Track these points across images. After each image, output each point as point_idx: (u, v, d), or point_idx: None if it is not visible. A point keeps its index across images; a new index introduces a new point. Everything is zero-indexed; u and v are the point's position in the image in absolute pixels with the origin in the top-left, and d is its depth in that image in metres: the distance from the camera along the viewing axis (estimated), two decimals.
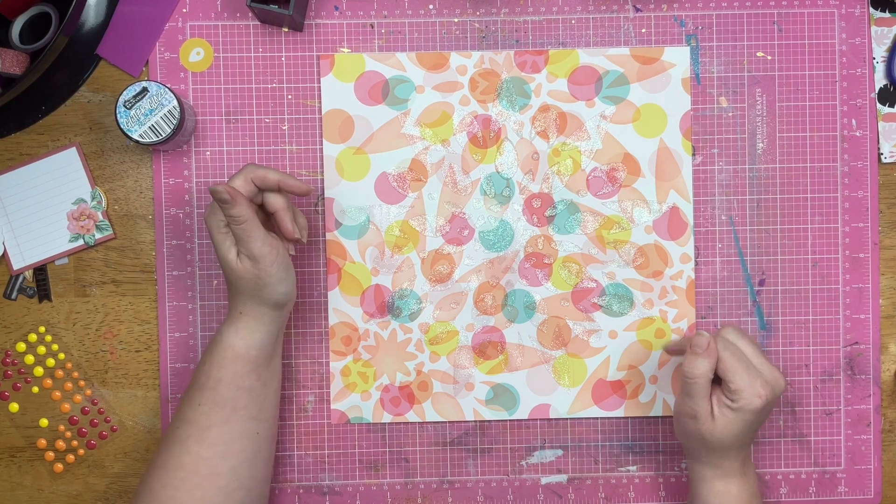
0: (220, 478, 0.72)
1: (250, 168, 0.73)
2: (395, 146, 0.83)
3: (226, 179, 0.83)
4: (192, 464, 0.72)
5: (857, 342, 0.84)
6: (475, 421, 0.84)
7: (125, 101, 0.77)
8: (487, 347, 0.83)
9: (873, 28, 0.83)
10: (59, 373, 0.83)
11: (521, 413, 0.83)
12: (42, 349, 0.83)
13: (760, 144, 0.83)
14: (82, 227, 0.83)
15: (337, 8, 0.83)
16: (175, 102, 0.78)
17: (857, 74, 0.83)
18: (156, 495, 0.72)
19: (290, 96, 0.83)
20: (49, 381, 0.83)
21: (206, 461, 0.72)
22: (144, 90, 0.77)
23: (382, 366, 0.83)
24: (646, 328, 0.83)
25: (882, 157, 0.83)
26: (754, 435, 0.74)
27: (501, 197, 0.83)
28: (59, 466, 0.84)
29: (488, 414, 0.83)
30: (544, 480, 0.84)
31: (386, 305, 0.83)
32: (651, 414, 0.83)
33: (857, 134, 0.83)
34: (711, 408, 0.73)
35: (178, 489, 0.71)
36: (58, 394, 0.84)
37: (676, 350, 0.82)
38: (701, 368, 0.72)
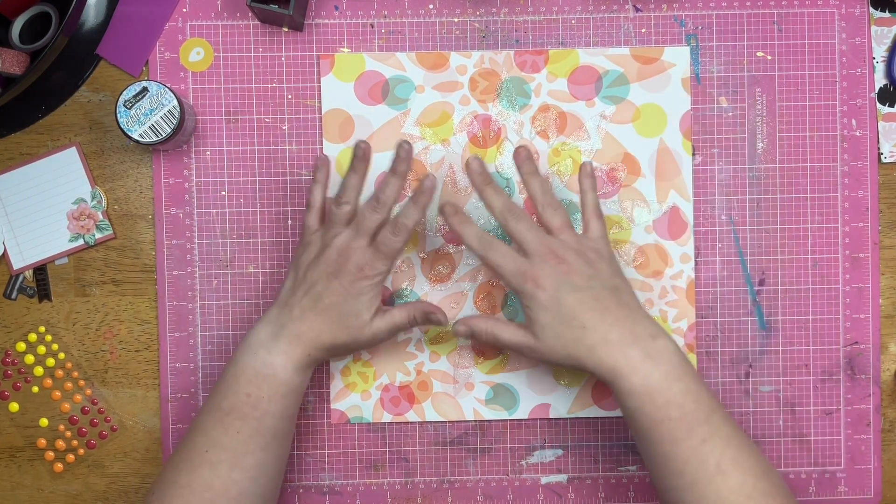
0: (248, 498, 0.71)
1: (410, 227, 0.73)
2: (395, 146, 0.83)
3: (226, 180, 0.83)
4: (223, 487, 0.71)
5: (857, 342, 0.84)
6: (475, 421, 0.84)
7: (125, 101, 0.77)
8: (487, 347, 0.83)
9: (873, 28, 0.83)
10: (59, 373, 0.83)
11: (521, 413, 0.83)
12: (42, 349, 0.83)
13: (760, 144, 0.83)
14: (82, 226, 0.83)
15: (337, 8, 0.83)
16: (175, 102, 0.78)
17: (857, 74, 0.83)
18: None
19: (290, 96, 0.83)
20: (49, 381, 0.83)
21: (237, 484, 0.71)
22: (144, 90, 0.77)
23: (382, 365, 0.83)
24: None
25: (882, 156, 0.83)
26: (602, 310, 0.69)
27: None
28: (59, 466, 0.84)
29: (488, 414, 0.83)
30: (544, 480, 0.84)
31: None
32: None
33: (857, 134, 0.83)
34: (525, 330, 0.72)
35: None
36: (58, 394, 0.84)
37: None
38: (474, 328, 0.74)
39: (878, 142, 0.83)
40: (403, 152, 0.74)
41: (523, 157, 0.75)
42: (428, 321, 0.75)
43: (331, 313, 0.72)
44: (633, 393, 0.68)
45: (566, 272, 0.71)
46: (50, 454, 0.84)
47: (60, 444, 0.84)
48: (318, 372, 0.83)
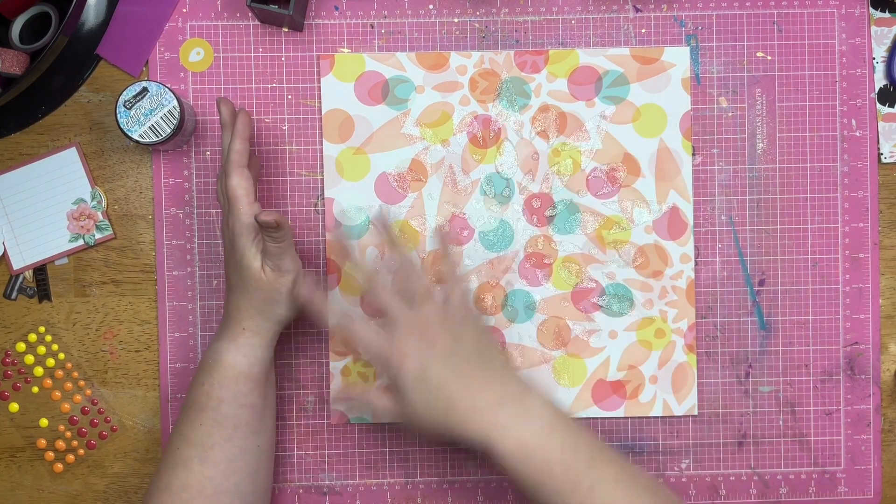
0: (224, 495, 0.72)
1: (235, 161, 0.73)
2: (395, 146, 0.83)
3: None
4: (198, 484, 0.71)
5: (857, 342, 0.84)
6: None
7: (125, 101, 0.77)
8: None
9: (873, 28, 0.83)
10: (59, 373, 0.83)
11: None
12: (42, 349, 0.83)
13: (760, 144, 0.83)
14: (82, 227, 0.83)
15: (337, 8, 0.83)
16: (175, 102, 0.78)
17: (857, 74, 0.83)
18: None
19: (290, 96, 0.83)
20: (49, 381, 0.83)
21: (211, 480, 0.72)
22: (144, 90, 0.77)
23: None
24: (646, 328, 0.83)
25: (882, 157, 0.83)
26: (468, 377, 0.68)
27: (501, 197, 0.83)
28: (59, 466, 0.84)
29: None
30: None
31: None
32: (651, 414, 0.83)
33: (857, 134, 0.83)
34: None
35: None
36: (58, 394, 0.84)
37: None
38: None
39: (878, 142, 0.83)
40: (221, 103, 0.76)
41: (383, 220, 0.75)
42: (266, 227, 0.70)
43: (235, 281, 0.74)
44: (510, 455, 0.66)
45: (431, 343, 0.69)
46: (50, 454, 0.84)
47: (60, 444, 0.84)
48: (317, 372, 0.83)
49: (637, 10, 0.83)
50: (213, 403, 0.73)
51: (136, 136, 0.78)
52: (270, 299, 0.73)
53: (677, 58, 0.83)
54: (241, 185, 0.72)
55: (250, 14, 0.83)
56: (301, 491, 0.84)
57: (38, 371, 0.83)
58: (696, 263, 0.83)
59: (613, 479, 0.67)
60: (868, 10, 0.83)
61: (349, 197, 0.83)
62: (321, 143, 0.83)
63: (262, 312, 0.74)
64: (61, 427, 0.84)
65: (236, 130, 0.74)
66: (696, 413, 0.83)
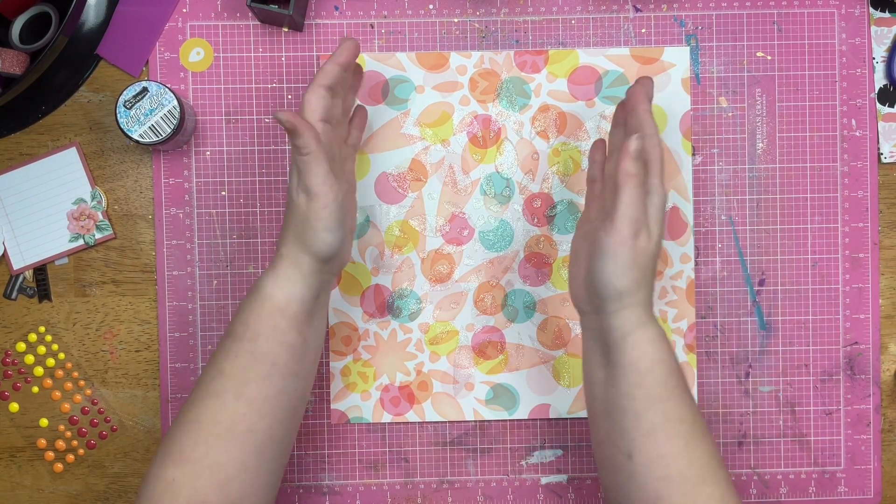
0: (256, 435, 0.67)
1: (316, 80, 0.69)
2: (395, 146, 0.83)
3: (226, 180, 0.83)
4: (229, 420, 0.67)
5: (856, 342, 0.84)
6: (475, 421, 0.84)
7: (125, 101, 0.77)
8: (487, 347, 0.83)
9: (873, 28, 0.83)
10: (59, 373, 0.83)
11: (521, 413, 0.83)
12: (42, 349, 0.83)
13: (760, 144, 0.83)
14: (82, 226, 0.83)
15: (337, 8, 0.83)
16: (175, 102, 0.78)
17: (857, 74, 0.83)
18: (186, 452, 0.66)
19: (290, 96, 0.83)
20: (49, 381, 0.83)
21: (245, 418, 0.67)
22: (144, 90, 0.77)
23: (382, 366, 0.83)
24: None
25: (882, 157, 0.83)
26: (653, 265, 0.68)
27: (501, 197, 0.83)
28: (59, 466, 0.84)
29: (488, 414, 0.83)
30: (544, 480, 0.84)
31: (386, 305, 0.83)
32: None
33: (857, 134, 0.83)
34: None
35: (213, 447, 0.66)
36: (58, 394, 0.84)
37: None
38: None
39: (878, 142, 0.83)
40: (345, 41, 0.71)
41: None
42: (285, 129, 0.67)
43: (286, 212, 0.70)
44: (628, 337, 0.67)
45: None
46: (50, 454, 0.84)
47: (60, 444, 0.84)
48: (318, 372, 0.83)
49: (637, 10, 0.83)
50: (250, 335, 0.68)
51: (136, 136, 0.78)
52: (303, 225, 0.68)
53: (677, 58, 0.83)
54: (311, 101, 0.68)
55: (250, 14, 0.83)
56: (301, 491, 0.84)
57: (38, 371, 0.83)
58: (696, 263, 0.83)
59: (680, 417, 0.67)
60: (868, 10, 0.83)
61: None
62: None
63: (297, 239, 0.69)
64: (61, 427, 0.84)
65: (333, 54, 0.70)
66: None
